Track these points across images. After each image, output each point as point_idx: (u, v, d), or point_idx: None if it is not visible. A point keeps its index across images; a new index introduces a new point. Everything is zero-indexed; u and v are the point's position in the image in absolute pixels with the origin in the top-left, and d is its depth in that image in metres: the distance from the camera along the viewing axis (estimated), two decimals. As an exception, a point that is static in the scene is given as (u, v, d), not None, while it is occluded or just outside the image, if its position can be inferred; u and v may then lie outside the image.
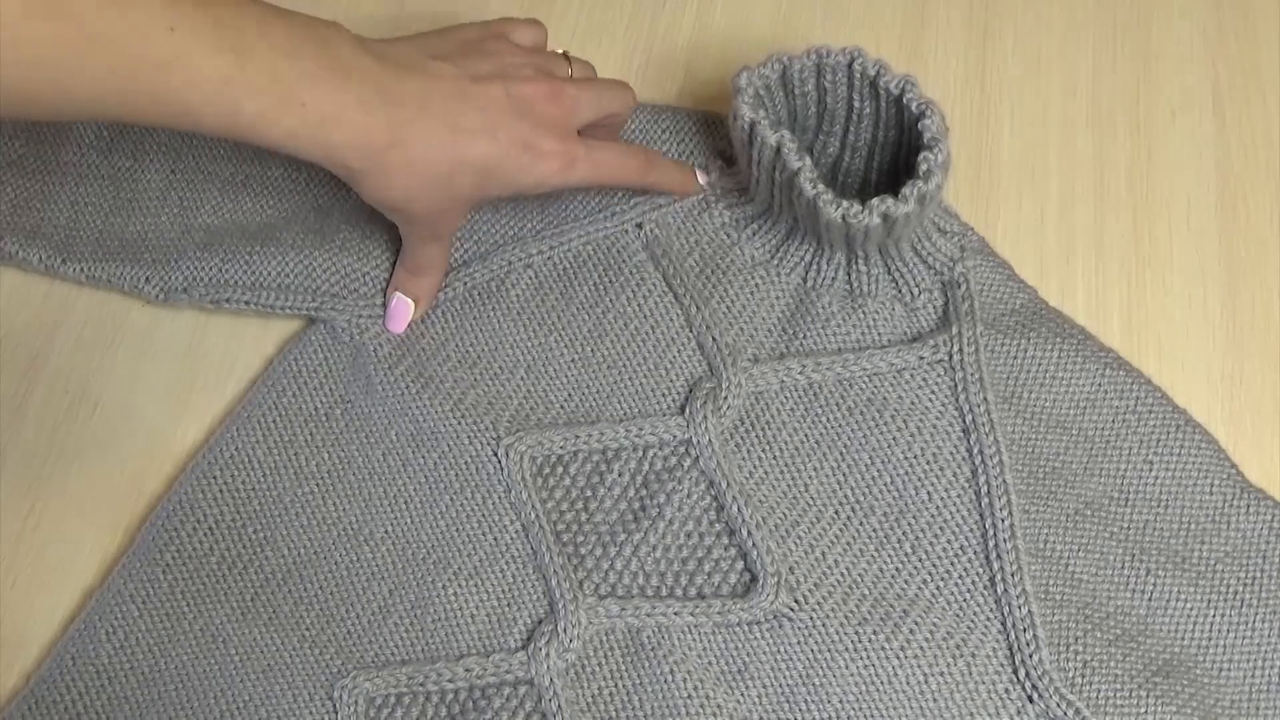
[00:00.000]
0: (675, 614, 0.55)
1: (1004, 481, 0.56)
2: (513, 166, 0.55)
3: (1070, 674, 0.53)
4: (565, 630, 0.55)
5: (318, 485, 0.58)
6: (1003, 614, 0.54)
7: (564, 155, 0.56)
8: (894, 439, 0.57)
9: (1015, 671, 0.53)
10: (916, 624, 0.54)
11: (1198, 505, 0.57)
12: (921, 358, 0.58)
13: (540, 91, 0.56)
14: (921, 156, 0.55)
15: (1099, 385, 0.58)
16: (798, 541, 0.56)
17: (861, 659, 0.54)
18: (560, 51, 0.60)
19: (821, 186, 0.55)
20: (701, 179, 0.62)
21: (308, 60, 0.49)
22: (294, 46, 0.49)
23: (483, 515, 0.57)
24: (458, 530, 0.57)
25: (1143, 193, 0.65)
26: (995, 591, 0.55)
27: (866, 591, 0.55)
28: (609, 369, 0.60)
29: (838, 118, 0.59)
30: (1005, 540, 0.55)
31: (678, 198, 0.62)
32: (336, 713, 0.55)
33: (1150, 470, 0.57)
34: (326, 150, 0.51)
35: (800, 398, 0.58)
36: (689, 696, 0.54)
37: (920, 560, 0.55)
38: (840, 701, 0.54)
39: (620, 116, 0.61)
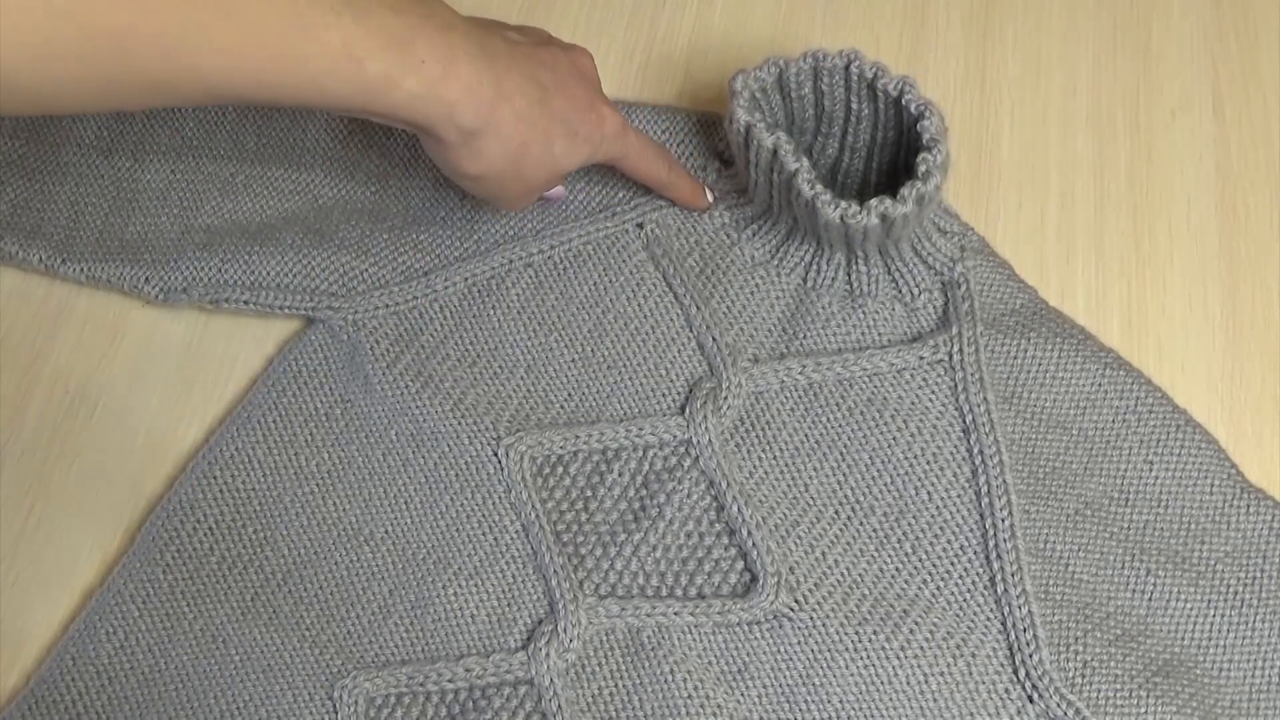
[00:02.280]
0: (675, 614, 0.55)
1: (1004, 481, 0.56)
2: (583, 122, 0.55)
3: (1070, 674, 0.53)
4: (565, 630, 0.55)
5: (318, 485, 0.58)
6: (1003, 614, 0.54)
7: (620, 122, 0.56)
8: (894, 439, 0.57)
9: (1015, 671, 0.53)
10: (916, 624, 0.54)
11: (1198, 505, 0.57)
12: (921, 358, 0.58)
13: (590, 64, 0.58)
14: (920, 157, 0.55)
15: (1099, 385, 0.58)
16: (798, 541, 0.56)
17: (861, 659, 0.54)
18: None
19: (820, 187, 0.55)
20: (710, 198, 0.62)
21: (413, 16, 0.48)
22: (396, 2, 0.48)
23: (483, 515, 0.57)
24: (458, 530, 0.57)
25: (1143, 193, 0.65)
26: (995, 591, 0.54)
27: (866, 591, 0.55)
28: (609, 369, 0.60)
29: (836, 120, 0.59)
30: (1005, 540, 0.55)
31: (684, 209, 0.62)
32: (336, 713, 0.55)
33: (1150, 470, 0.57)
34: (448, 109, 0.49)
35: (800, 398, 0.58)
36: (689, 696, 0.54)
37: (920, 560, 0.55)
38: (840, 701, 0.54)
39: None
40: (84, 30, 0.40)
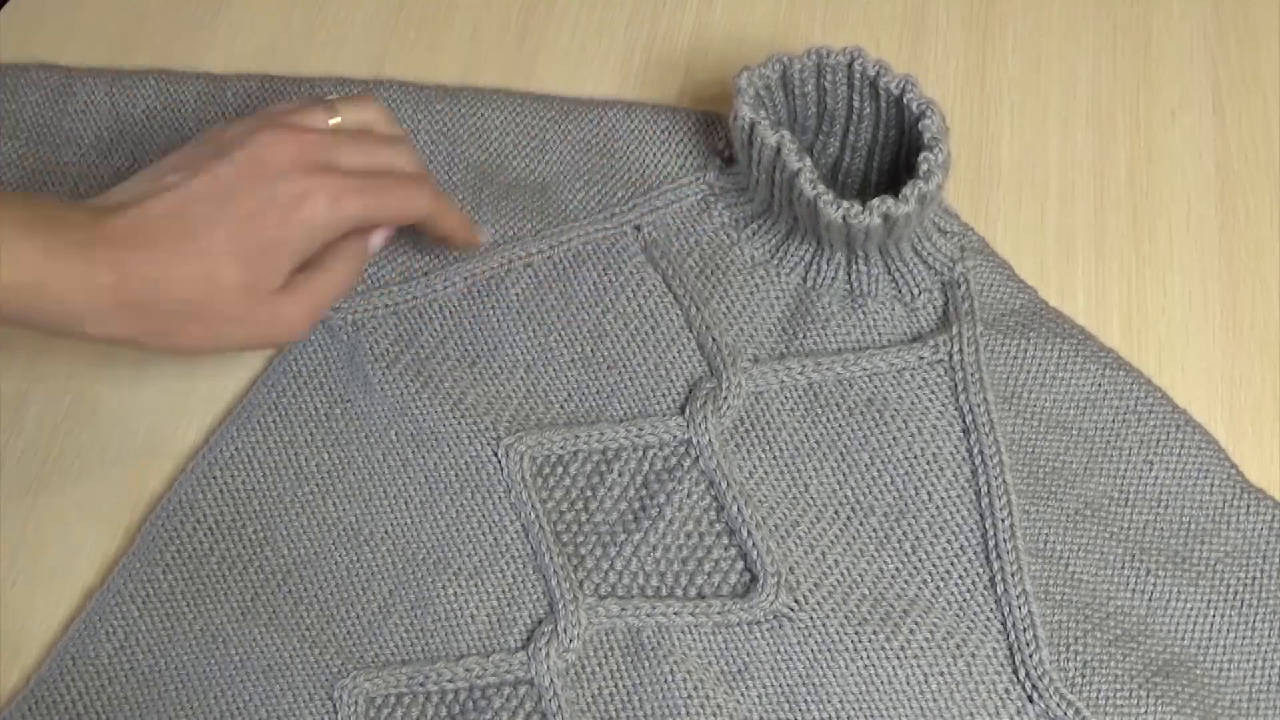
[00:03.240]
0: (675, 614, 0.55)
1: (1004, 481, 0.56)
2: (268, 227, 0.50)
3: (1070, 674, 0.53)
4: (565, 630, 0.55)
5: (318, 485, 0.58)
6: (1003, 614, 0.54)
7: (324, 189, 0.51)
8: (894, 439, 0.57)
9: (1015, 671, 0.53)
10: (916, 624, 0.54)
11: (1198, 505, 0.57)
12: (921, 358, 0.58)
13: (272, 139, 0.52)
14: (922, 156, 0.55)
15: (1099, 385, 0.58)
16: (798, 541, 0.56)
17: (861, 659, 0.54)
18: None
19: (822, 187, 0.55)
20: (484, 236, 0.60)
21: (12, 211, 0.47)
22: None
23: (483, 515, 0.57)
24: (458, 530, 0.57)
25: (1143, 193, 0.65)
26: (995, 591, 0.55)
27: (866, 591, 0.55)
28: (609, 369, 0.60)
29: (838, 118, 0.59)
30: (1005, 540, 0.55)
31: (460, 249, 0.60)
32: (336, 713, 0.55)
33: (1150, 470, 0.57)
34: (37, 309, 0.48)
35: (800, 398, 0.58)
36: (689, 696, 0.54)
37: (920, 560, 0.55)
38: (840, 701, 0.54)
39: (407, 173, 0.56)
40: None
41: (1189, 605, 0.55)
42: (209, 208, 0.50)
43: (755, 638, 0.55)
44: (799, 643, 0.54)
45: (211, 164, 0.51)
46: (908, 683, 0.53)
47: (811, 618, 0.55)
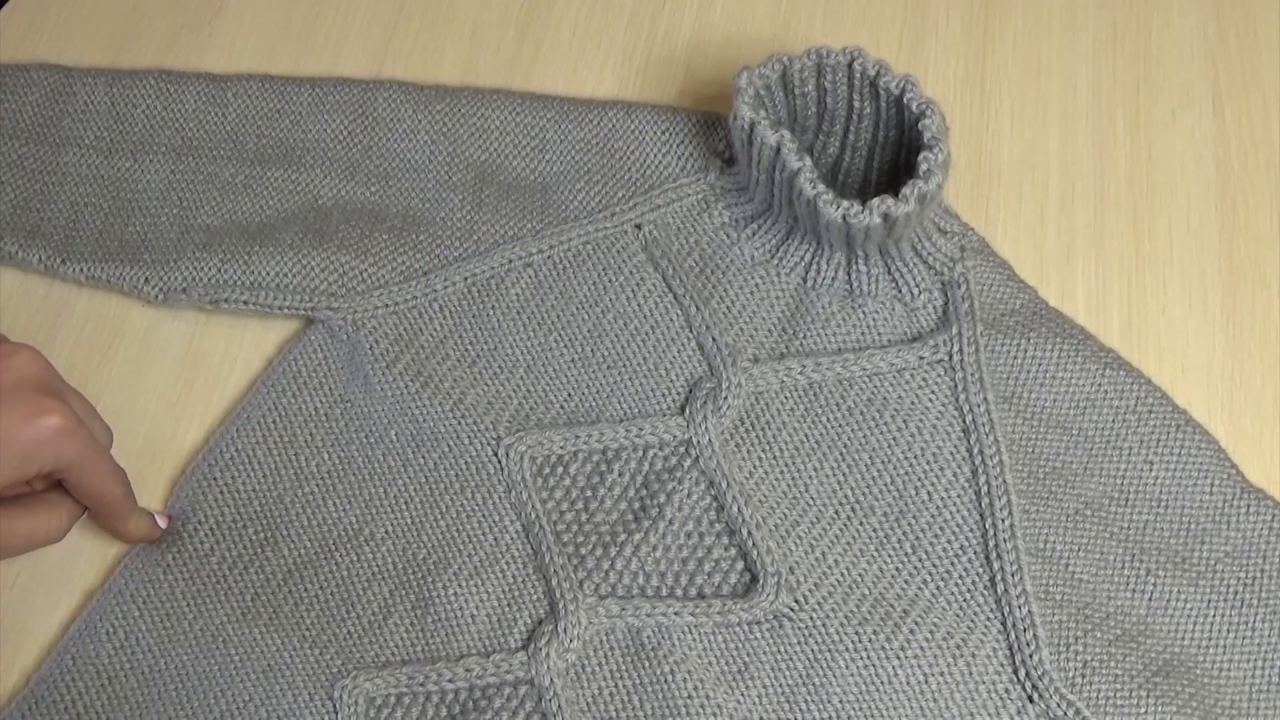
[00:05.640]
0: (675, 614, 0.55)
1: (1004, 481, 0.56)
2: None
3: (1070, 674, 0.53)
4: (565, 630, 0.55)
5: (318, 486, 0.58)
6: (1003, 614, 0.54)
7: (60, 413, 0.50)
8: (894, 439, 0.57)
9: (1015, 671, 0.53)
10: (917, 624, 0.54)
11: (1198, 505, 0.57)
12: (921, 358, 0.58)
13: (28, 354, 0.51)
14: (922, 156, 0.55)
15: (1099, 385, 0.58)
16: (798, 541, 0.56)
17: (862, 659, 0.54)
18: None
19: (822, 186, 0.55)
20: (162, 522, 0.57)
21: None
22: None
23: (483, 515, 0.57)
24: (458, 530, 0.57)
25: (1143, 193, 0.65)
26: (995, 591, 0.55)
27: (867, 591, 0.55)
28: (609, 369, 0.60)
29: (838, 118, 0.60)
30: (1005, 540, 0.55)
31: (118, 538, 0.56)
32: (337, 713, 0.55)
33: (1150, 470, 0.57)
34: None
35: (800, 398, 0.58)
36: (689, 696, 0.54)
37: (920, 560, 0.55)
38: (840, 701, 0.54)
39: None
40: None
41: (1189, 605, 0.55)
42: None
43: (755, 638, 0.55)
44: (799, 643, 0.54)
45: None
46: (908, 683, 0.53)
47: (812, 618, 0.55)
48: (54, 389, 0.52)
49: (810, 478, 0.57)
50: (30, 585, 0.58)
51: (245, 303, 0.61)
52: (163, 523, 0.57)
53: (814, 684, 0.54)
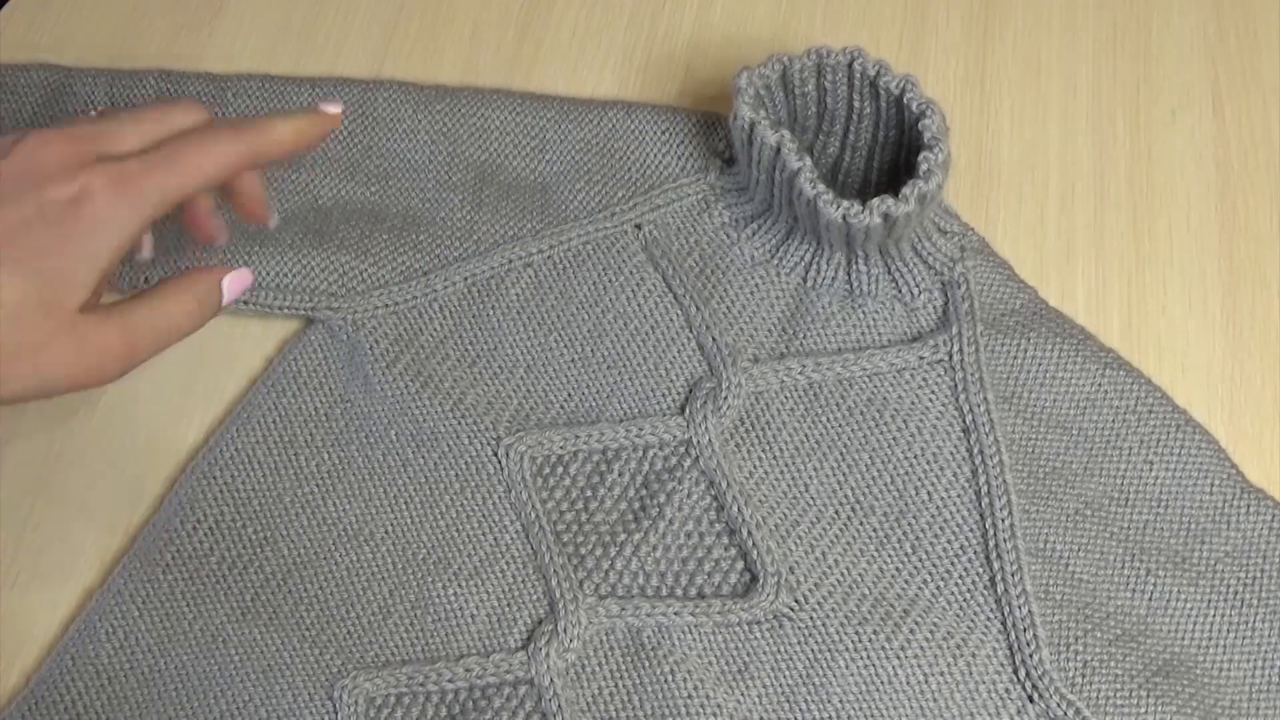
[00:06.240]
0: (675, 614, 0.55)
1: (1004, 481, 0.56)
2: (46, 233, 0.43)
3: (1070, 674, 0.53)
4: (565, 630, 0.55)
5: (318, 485, 0.58)
6: (1003, 614, 0.54)
7: (100, 181, 0.44)
8: (894, 439, 0.57)
9: (1015, 671, 0.53)
10: (916, 624, 0.54)
11: (1198, 505, 0.57)
12: (921, 358, 0.58)
13: (36, 142, 0.45)
14: (922, 156, 0.55)
15: (1099, 385, 0.58)
16: (798, 541, 0.56)
17: (862, 659, 0.54)
18: None
19: (822, 186, 0.55)
20: (332, 109, 0.51)
21: None
22: None
23: (483, 515, 0.57)
24: (458, 530, 0.57)
25: (1143, 192, 0.65)
26: (995, 591, 0.55)
27: (867, 591, 0.55)
28: (609, 369, 0.60)
29: (838, 118, 0.60)
30: (1005, 540, 0.55)
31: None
32: (336, 713, 0.55)
33: (1150, 470, 0.57)
34: None
35: (800, 398, 0.59)
36: (689, 696, 0.54)
37: (920, 560, 0.55)
38: (840, 701, 0.54)
39: (198, 127, 0.48)
40: None
41: (1189, 605, 0.55)
42: None
43: (755, 638, 0.55)
44: (799, 643, 0.54)
45: None
46: (908, 683, 0.53)
47: (812, 618, 0.55)
48: (88, 154, 0.45)
49: (810, 478, 0.57)
50: (30, 585, 0.58)
51: (245, 303, 0.61)
52: (333, 109, 0.51)
53: (814, 684, 0.54)
